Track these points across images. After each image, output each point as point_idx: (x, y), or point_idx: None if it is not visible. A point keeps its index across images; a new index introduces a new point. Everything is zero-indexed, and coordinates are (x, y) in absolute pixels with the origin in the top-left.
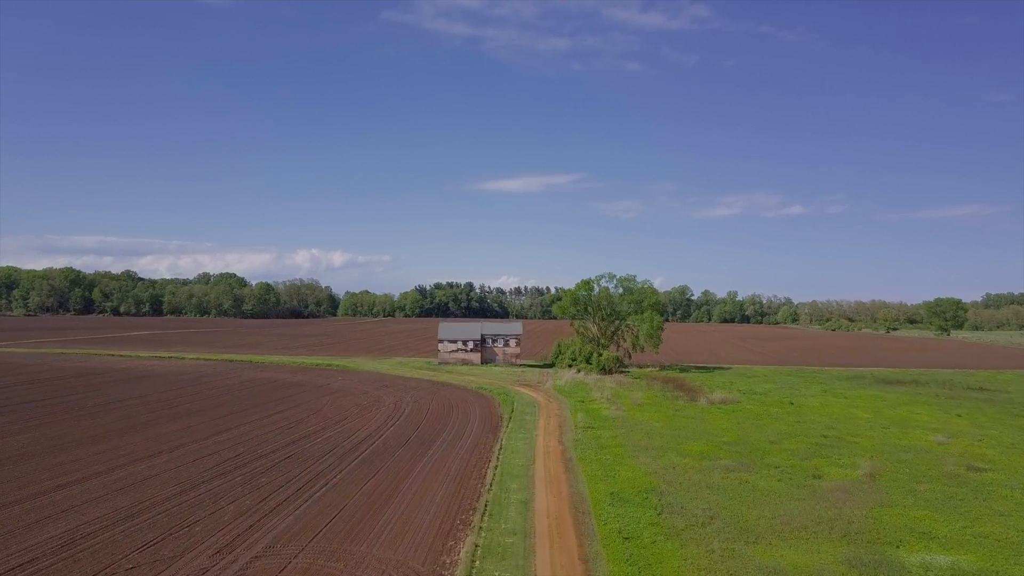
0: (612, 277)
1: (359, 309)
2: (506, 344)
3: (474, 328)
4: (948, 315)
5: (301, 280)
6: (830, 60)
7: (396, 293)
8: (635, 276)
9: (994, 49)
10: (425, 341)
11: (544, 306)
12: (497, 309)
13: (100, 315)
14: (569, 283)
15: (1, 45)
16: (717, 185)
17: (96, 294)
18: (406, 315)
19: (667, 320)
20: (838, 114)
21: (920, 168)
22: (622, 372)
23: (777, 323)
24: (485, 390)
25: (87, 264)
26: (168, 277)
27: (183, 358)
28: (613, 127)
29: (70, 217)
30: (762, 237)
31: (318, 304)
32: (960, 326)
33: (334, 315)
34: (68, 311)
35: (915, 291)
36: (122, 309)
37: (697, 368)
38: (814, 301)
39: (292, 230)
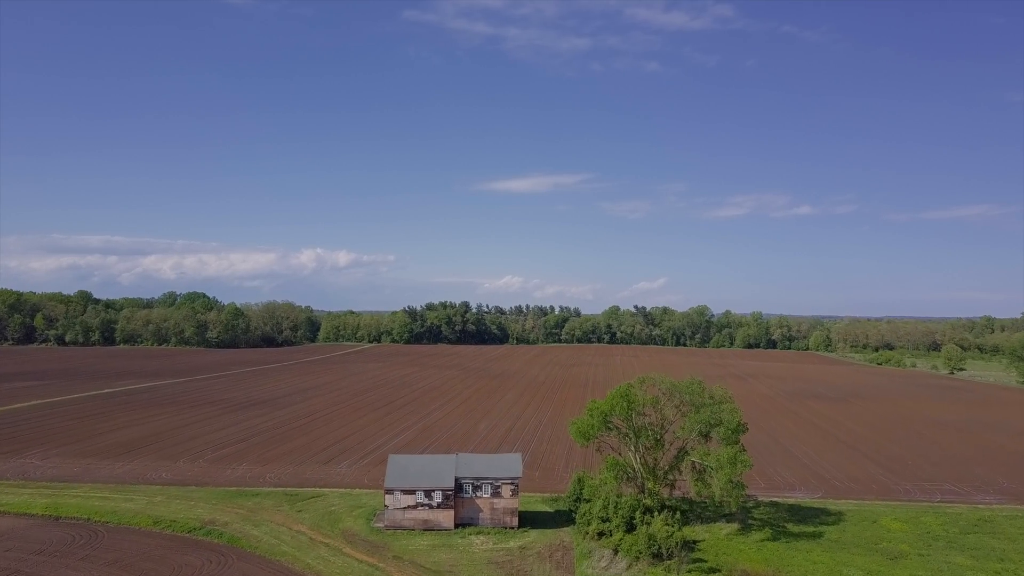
0: (665, 380)
1: (342, 333)
2: (496, 492)
3: (443, 468)
4: None
5: (275, 301)
6: (850, 60)
7: (386, 311)
8: (700, 381)
9: (1018, 49)
10: (401, 415)
11: (548, 328)
12: (496, 332)
13: (42, 345)
14: (571, 284)
15: (10, 45)
16: (726, 185)
17: (38, 320)
18: (393, 340)
19: (684, 346)
20: (851, 114)
21: (929, 168)
22: (688, 555)
23: (808, 349)
24: None
25: (92, 263)
26: (172, 277)
27: None
28: (626, 127)
29: (76, 217)
30: (769, 238)
31: (295, 328)
32: None
33: (313, 341)
34: (6, 340)
35: (922, 292)
36: (68, 338)
37: (788, 513)
38: (847, 321)
39: (297, 230)
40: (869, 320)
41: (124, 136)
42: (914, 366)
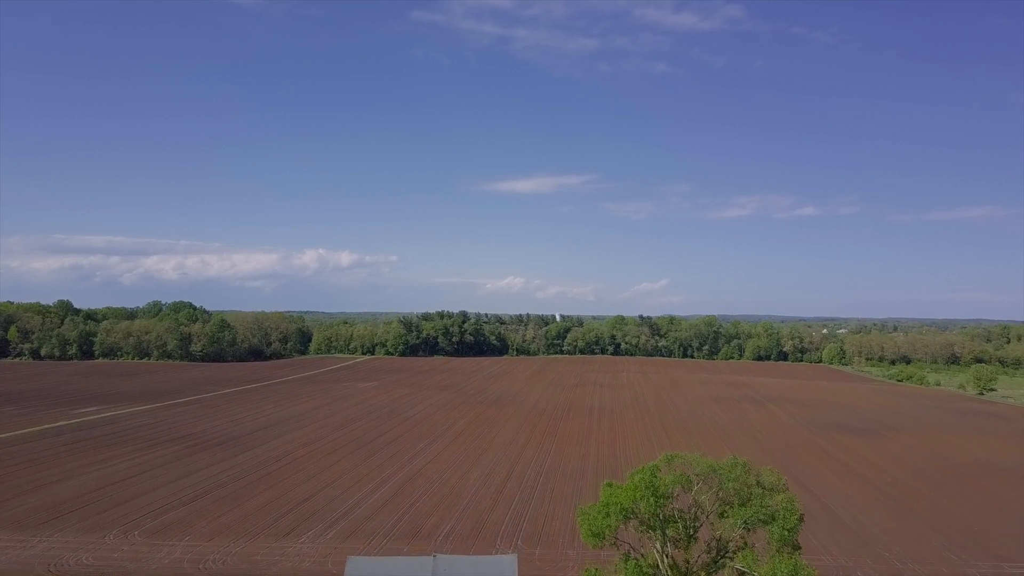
0: (700, 462)
1: (334, 344)
2: None
3: (418, 572)
4: None
5: (264, 311)
6: (857, 61)
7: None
8: (744, 463)
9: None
10: (383, 457)
11: (549, 339)
12: (495, 343)
13: (15, 360)
14: (572, 285)
15: (14, 45)
16: (730, 186)
17: (12, 333)
18: (387, 352)
19: (691, 357)
20: (856, 115)
21: (934, 169)
22: None
23: (820, 362)
24: None
25: (94, 264)
26: (174, 277)
27: None
28: (631, 128)
29: (78, 217)
30: (772, 239)
31: (284, 340)
32: None
33: (304, 353)
34: None
35: (926, 293)
36: (44, 352)
37: None
38: (853, 326)
39: (300, 230)
40: (876, 323)
41: (127, 136)
42: (938, 384)
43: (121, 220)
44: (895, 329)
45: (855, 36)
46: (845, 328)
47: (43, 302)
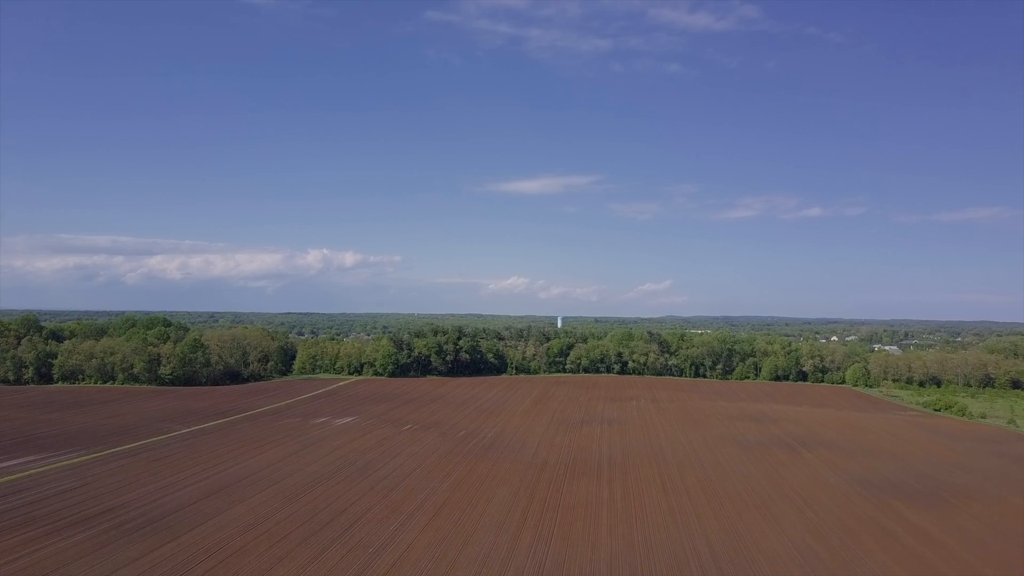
0: None
1: (319, 363)
2: None
3: None
4: None
5: (246, 326)
6: (871, 62)
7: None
8: None
9: None
10: (340, 551)
11: (551, 356)
12: (492, 361)
13: None
14: (576, 285)
15: (20, 45)
16: (736, 187)
17: None
18: (376, 373)
19: (704, 376)
20: (864, 115)
21: (941, 170)
22: None
23: (843, 382)
24: None
25: (98, 263)
26: (177, 277)
27: None
28: (640, 128)
29: (82, 217)
30: (778, 239)
31: (264, 360)
32: None
33: (286, 373)
34: None
35: (931, 294)
36: None
37: None
38: (871, 337)
39: (304, 230)
40: (884, 325)
41: (132, 136)
42: (983, 417)
43: (125, 220)
44: (905, 335)
45: (870, 37)
46: (854, 335)
47: (45, 302)
